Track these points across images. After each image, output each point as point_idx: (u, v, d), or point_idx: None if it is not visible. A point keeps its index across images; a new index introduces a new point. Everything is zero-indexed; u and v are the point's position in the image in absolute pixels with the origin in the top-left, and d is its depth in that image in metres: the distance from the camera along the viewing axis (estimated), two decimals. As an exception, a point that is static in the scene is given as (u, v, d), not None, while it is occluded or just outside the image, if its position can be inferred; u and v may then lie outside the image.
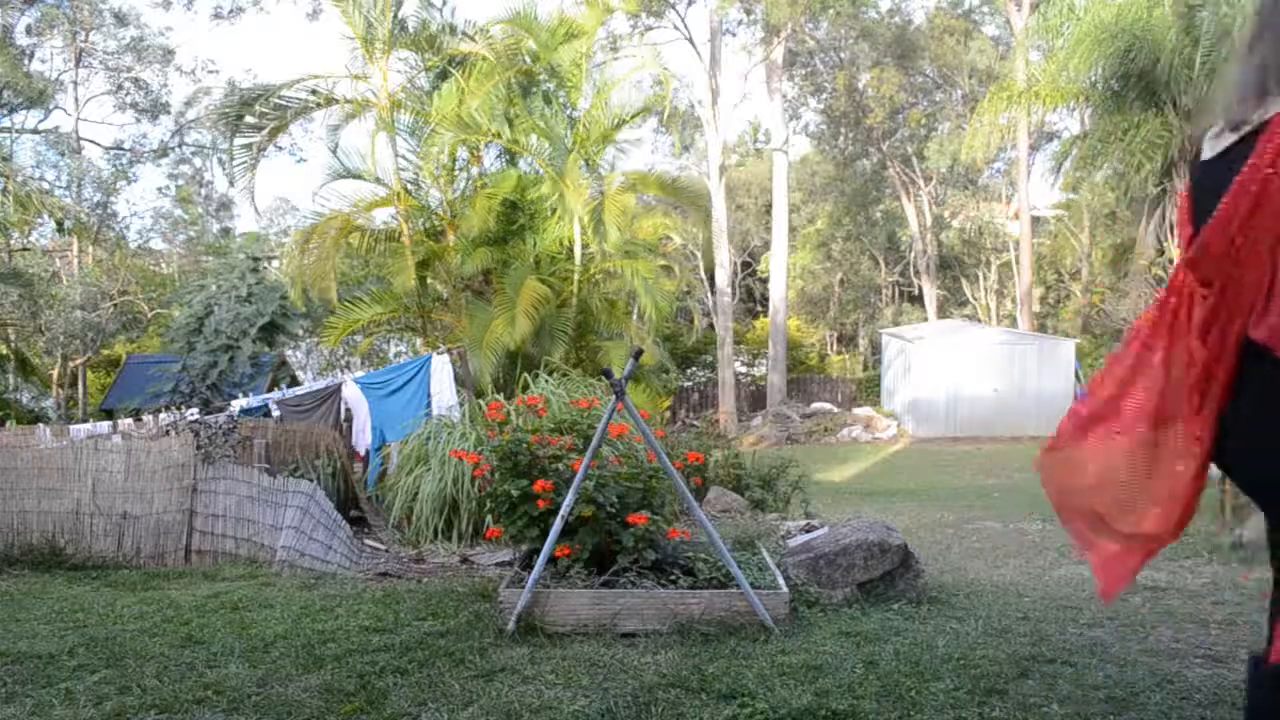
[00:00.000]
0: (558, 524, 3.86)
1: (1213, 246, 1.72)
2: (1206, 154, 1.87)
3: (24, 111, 26.18)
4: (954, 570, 6.12)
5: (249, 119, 13.14)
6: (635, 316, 12.95)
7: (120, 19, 27.97)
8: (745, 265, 36.55)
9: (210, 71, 44.26)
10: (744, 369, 31.38)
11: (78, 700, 3.01)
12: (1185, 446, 1.82)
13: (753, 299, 37.06)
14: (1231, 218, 1.68)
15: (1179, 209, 1.99)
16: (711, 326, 26.11)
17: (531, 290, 12.12)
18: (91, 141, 29.96)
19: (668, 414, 17.14)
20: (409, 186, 13.50)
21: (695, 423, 21.37)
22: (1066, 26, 16.24)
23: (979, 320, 30.98)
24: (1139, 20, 14.85)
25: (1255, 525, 5.99)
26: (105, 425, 9.87)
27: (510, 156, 13.96)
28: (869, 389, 27.92)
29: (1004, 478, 13.93)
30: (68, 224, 21.89)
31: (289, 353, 22.01)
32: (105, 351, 25.89)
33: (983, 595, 4.86)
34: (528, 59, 13.40)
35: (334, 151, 13.38)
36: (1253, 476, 1.81)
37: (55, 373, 23.70)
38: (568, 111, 13.27)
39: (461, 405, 9.34)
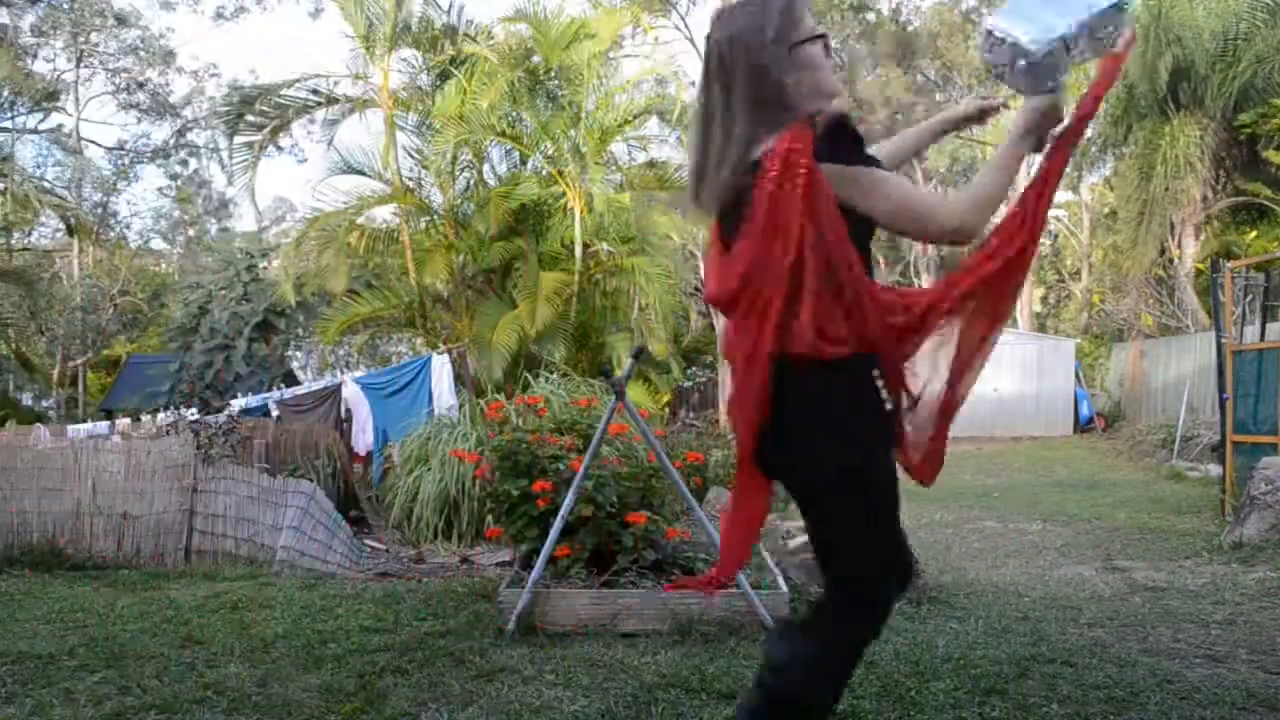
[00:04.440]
0: (558, 524, 3.85)
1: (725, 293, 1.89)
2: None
3: (26, 114, 26.17)
4: (954, 570, 6.12)
5: (249, 118, 13.14)
6: (635, 312, 12.91)
7: (121, 20, 27.96)
8: (745, 265, 36.48)
9: (212, 74, 44.18)
10: (744, 369, 31.23)
11: (78, 700, 3.00)
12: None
13: (753, 299, 37.00)
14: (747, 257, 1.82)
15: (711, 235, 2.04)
16: (711, 327, 26.04)
17: (551, 280, 12.17)
18: (93, 142, 29.98)
19: (667, 411, 17.11)
20: (410, 184, 13.48)
21: (695, 422, 21.33)
22: None
23: (979, 320, 30.89)
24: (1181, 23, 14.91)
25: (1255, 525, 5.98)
26: (105, 425, 9.88)
27: (521, 156, 13.94)
28: (869, 389, 27.84)
29: (1004, 478, 13.92)
30: (70, 221, 21.94)
31: (290, 351, 21.98)
32: (106, 352, 25.87)
33: (983, 595, 4.86)
34: (535, 57, 13.34)
35: (349, 150, 13.38)
36: (803, 480, 1.96)
37: (56, 373, 23.70)
38: (574, 110, 13.24)
39: (461, 405, 9.34)
